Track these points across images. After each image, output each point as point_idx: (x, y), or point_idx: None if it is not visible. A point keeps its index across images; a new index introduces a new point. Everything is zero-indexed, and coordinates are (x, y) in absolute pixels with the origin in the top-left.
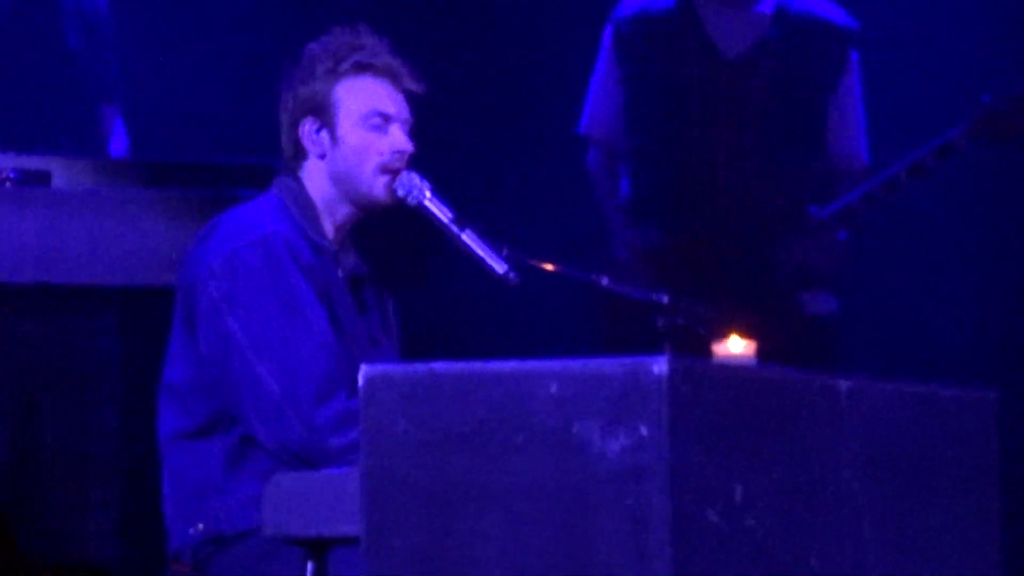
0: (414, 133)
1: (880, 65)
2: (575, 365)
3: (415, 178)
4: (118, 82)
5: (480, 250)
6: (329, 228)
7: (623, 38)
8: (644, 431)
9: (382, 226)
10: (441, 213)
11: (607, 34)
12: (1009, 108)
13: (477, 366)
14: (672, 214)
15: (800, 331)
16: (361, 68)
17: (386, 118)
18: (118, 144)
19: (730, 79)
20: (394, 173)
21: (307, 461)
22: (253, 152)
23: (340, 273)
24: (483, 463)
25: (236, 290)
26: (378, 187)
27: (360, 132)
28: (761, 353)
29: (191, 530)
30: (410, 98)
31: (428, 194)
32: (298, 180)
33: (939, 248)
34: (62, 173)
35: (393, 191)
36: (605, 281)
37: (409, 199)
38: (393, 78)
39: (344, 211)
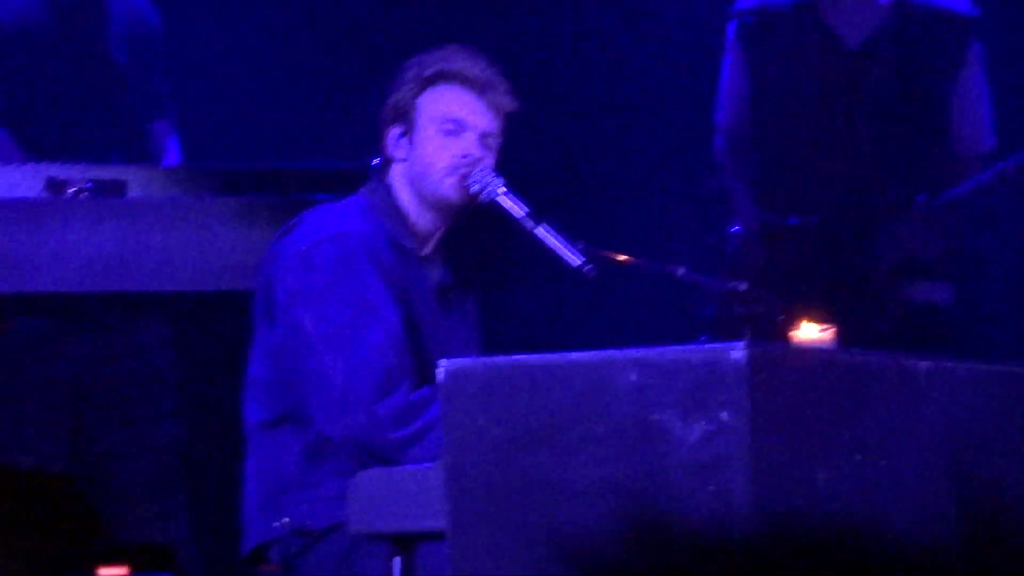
0: (500, 148)
1: (1009, 52)
2: (654, 353)
3: (489, 174)
4: (170, 97)
5: (556, 244)
6: (419, 232)
7: (746, 28)
8: (725, 417)
9: (467, 235)
10: (516, 208)
11: (730, 27)
12: None
13: (556, 358)
14: (789, 201)
15: (909, 320)
16: (444, 76)
17: (461, 125)
18: (171, 160)
19: (849, 69)
20: (461, 177)
21: (369, 451)
22: (325, 157)
23: (426, 279)
24: (564, 455)
25: (310, 283)
26: (445, 187)
27: (433, 136)
28: (859, 342)
29: (275, 524)
30: (503, 115)
31: (502, 189)
32: (386, 185)
33: None
34: (137, 183)
35: (466, 188)
36: (681, 271)
37: (483, 195)
38: (477, 89)
39: (428, 217)
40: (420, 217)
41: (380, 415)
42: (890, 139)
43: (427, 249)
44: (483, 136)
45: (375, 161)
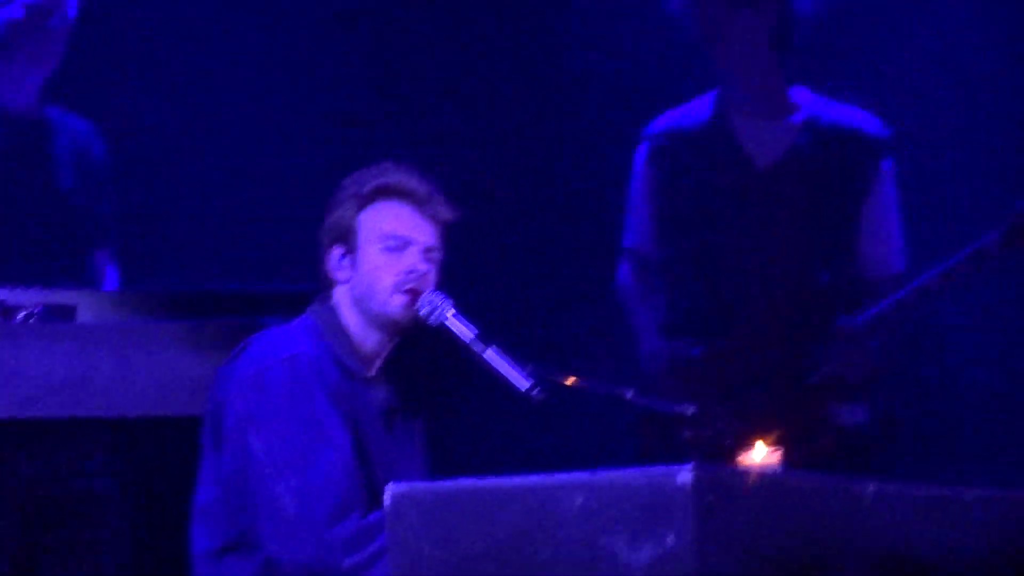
0: (442, 260)
1: (915, 171)
2: (601, 477)
3: (437, 297)
4: (113, 226)
5: (504, 367)
6: (364, 354)
7: (656, 151)
8: (671, 541)
9: (412, 356)
10: (463, 332)
11: (641, 150)
12: None
13: (501, 482)
14: (703, 325)
15: (831, 442)
16: (383, 193)
17: (404, 242)
18: (110, 288)
19: (762, 188)
20: (411, 293)
21: None
22: (272, 280)
23: (372, 401)
24: None
25: (260, 407)
26: (392, 305)
27: (376, 254)
28: (792, 464)
29: None
30: (444, 228)
31: (450, 313)
32: (330, 307)
33: (971, 353)
34: (86, 307)
35: (415, 310)
36: (630, 394)
37: (432, 319)
38: (417, 203)
39: (373, 337)
40: (366, 338)
41: (331, 542)
42: (807, 258)
43: (373, 370)
44: (426, 251)
45: (316, 285)
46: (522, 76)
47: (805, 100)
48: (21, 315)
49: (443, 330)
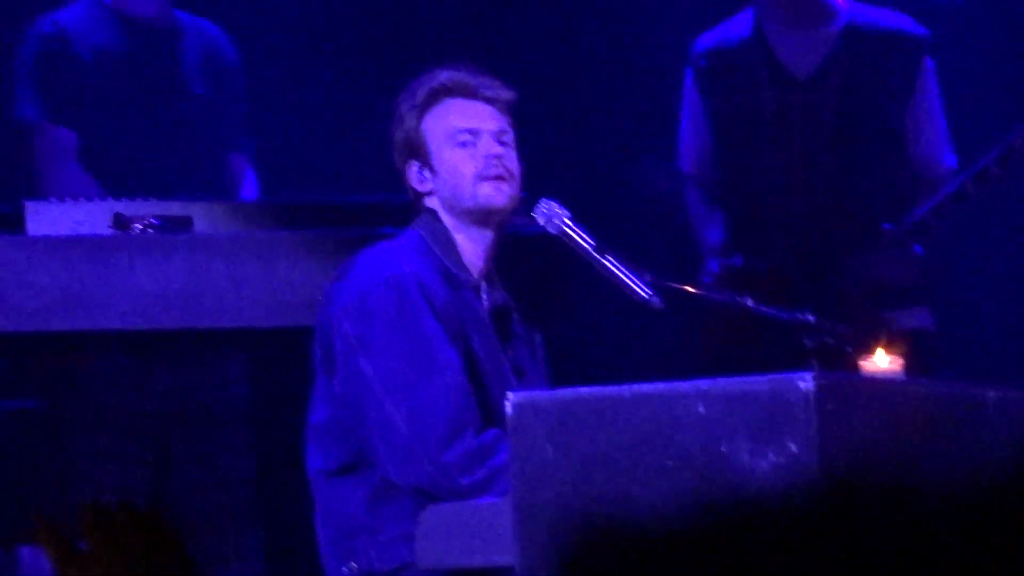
0: (517, 140)
1: (957, 69)
2: (721, 384)
3: (554, 206)
4: (247, 131)
5: (623, 275)
6: (470, 260)
7: (702, 72)
8: (793, 448)
9: (521, 257)
10: (582, 240)
11: (688, 74)
12: None
13: (623, 390)
14: (754, 240)
15: (903, 347)
16: (437, 95)
17: (472, 132)
18: (249, 192)
19: (802, 100)
20: (496, 179)
21: (439, 499)
22: (387, 190)
23: (482, 306)
24: (632, 487)
25: (368, 330)
26: (482, 194)
27: (450, 153)
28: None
29: (344, 569)
30: (508, 109)
31: (568, 221)
32: (434, 215)
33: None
34: (202, 218)
35: (503, 194)
36: (750, 302)
37: (549, 227)
38: (473, 93)
39: (476, 237)
40: (469, 240)
41: (447, 463)
42: (850, 167)
43: (480, 275)
44: (498, 135)
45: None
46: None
47: (841, 6)
48: (138, 227)
49: (561, 238)
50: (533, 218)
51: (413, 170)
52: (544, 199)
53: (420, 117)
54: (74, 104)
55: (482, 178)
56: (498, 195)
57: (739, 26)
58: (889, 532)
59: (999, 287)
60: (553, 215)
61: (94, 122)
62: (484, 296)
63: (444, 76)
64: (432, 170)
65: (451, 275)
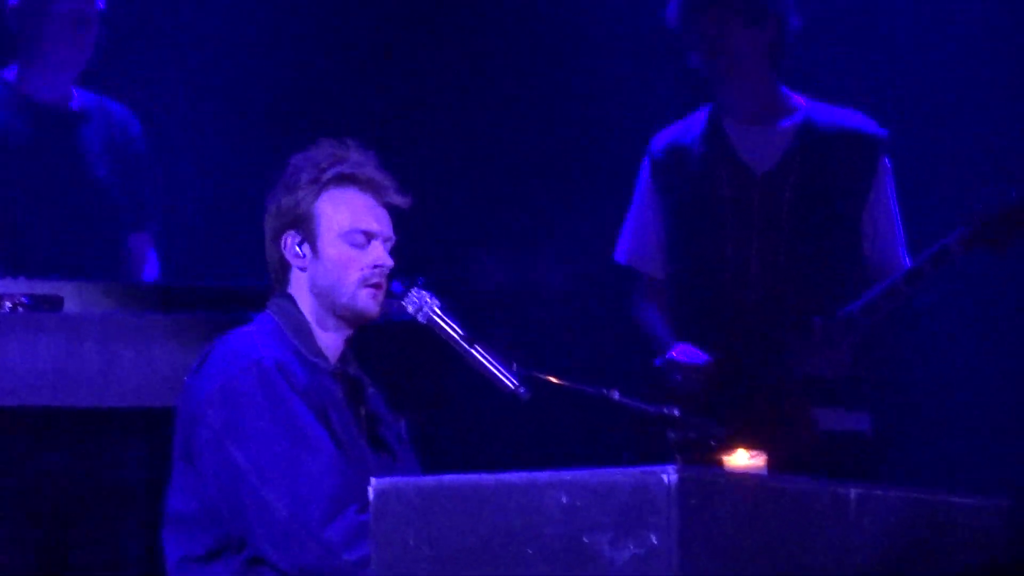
0: (396, 249)
1: (909, 163)
2: (584, 475)
3: (425, 295)
4: (152, 210)
5: (490, 365)
6: (324, 343)
7: (659, 167)
8: (654, 540)
9: (390, 343)
10: (451, 330)
11: (644, 166)
12: (1000, 213)
13: (486, 478)
14: (706, 334)
15: (829, 449)
16: (344, 180)
17: (367, 235)
18: (151, 272)
19: (760, 194)
20: (376, 287)
21: None
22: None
23: (339, 390)
24: None
25: (235, 418)
26: (360, 300)
27: (341, 248)
28: (781, 468)
29: None
30: (393, 212)
31: (438, 311)
32: (289, 298)
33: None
34: (74, 298)
35: (377, 306)
36: (616, 395)
37: (420, 316)
38: (376, 192)
39: (334, 328)
40: (327, 328)
41: (330, 539)
42: (806, 262)
43: (335, 361)
44: (387, 242)
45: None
46: (516, 88)
47: (799, 104)
48: (7, 305)
49: (430, 327)
50: (404, 306)
51: (290, 240)
52: (415, 288)
53: (317, 194)
54: None
55: (365, 284)
56: (374, 305)
57: (697, 122)
58: None
59: (942, 393)
60: (423, 304)
61: None
62: (340, 382)
63: (354, 162)
64: (315, 252)
65: (308, 361)
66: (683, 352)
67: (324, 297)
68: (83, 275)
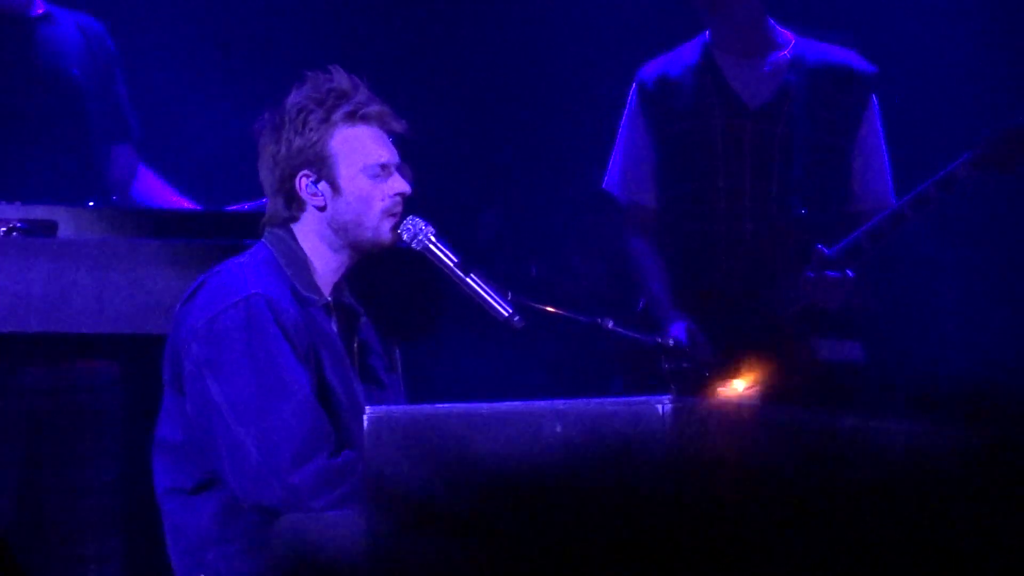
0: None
1: (893, 102)
2: (579, 404)
3: (420, 222)
4: (131, 120)
5: (485, 293)
6: (322, 278)
7: (648, 96)
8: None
9: (385, 272)
10: (446, 257)
11: (632, 94)
12: (1008, 137)
13: (480, 407)
14: (699, 263)
15: (821, 377)
16: (353, 117)
17: (384, 167)
18: (145, 180)
19: (754, 127)
20: (394, 216)
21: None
22: (255, 199)
23: (332, 325)
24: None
25: (217, 354)
26: (383, 231)
27: (363, 181)
28: (776, 397)
29: None
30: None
31: (433, 238)
32: (290, 232)
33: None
34: (68, 223)
35: (398, 235)
36: (610, 324)
37: (415, 243)
38: (382, 123)
39: (342, 258)
40: (331, 262)
41: (297, 485)
42: (796, 195)
43: (328, 296)
44: (399, 167)
45: (269, 209)
46: (505, 17)
47: (789, 39)
48: (1, 229)
49: (425, 254)
50: (399, 233)
51: (305, 180)
52: (411, 216)
53: (329, 132)
54: None
55: (388, 214)
56: (393, 233)
57: (687, 54)
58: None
59: (933, 321)
60: (419, 231)
61: None
62: (334, 314)
63: (361, 99)
64: (335, 189)
65: (301, 295)
66: (681, 331)
67: (344, 231)
68: (67, 189)
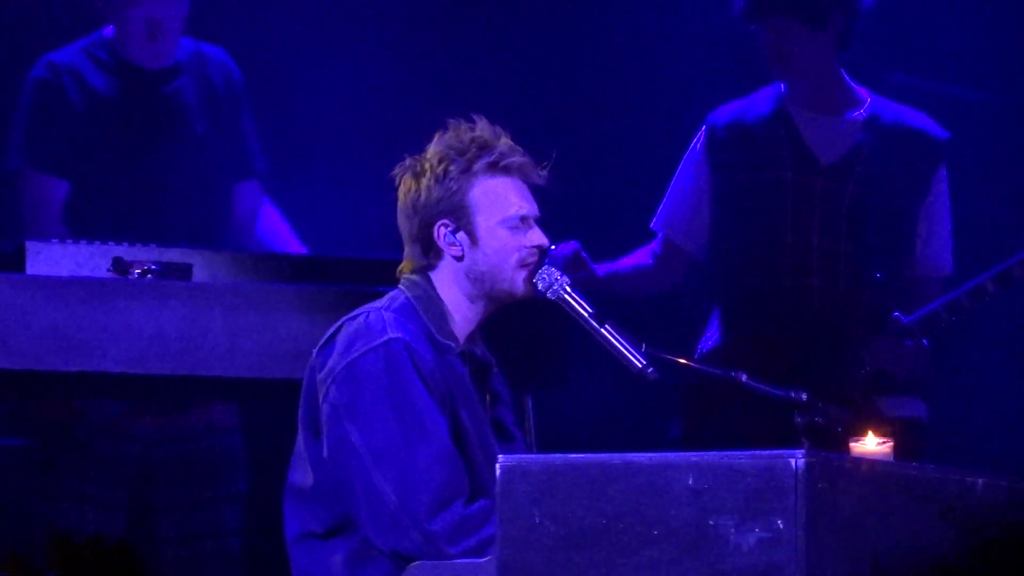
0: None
1: (963, 175)
2: (712, 458)
3: (555, 272)
4: (257, 155)
5: (619, 344)
6: (459, 326)
7: (717, 142)
8: (780, 525)
9: (520, 324)
10: (581, 307)
11: (700, 137)
12: None
13: (613, 458)
14: (762, 316)
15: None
16: (495, 168)
17: (524, 220)
18: (268, 218)
19: (824, 184)
20: (529, 267)
21: None
22: (387, 248)
23: (466, 372)
24: (618, 557)
25: (356, 398)
26: (519, 282)
27: (502, 233)
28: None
29: None
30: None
31: (568, 288)
32: (428, 280)
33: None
34: (203, 266)
35: (533, 285)
36: (744, 378)
37: (549, 293)
38: (524, 175)
39: (478, 308)
40: (468, 311)
41: (434, 532)
42: (867, 255)
43: (464, 342)
44: (537, 220)
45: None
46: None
47: (865, 98)
48: (137, 272)
49: (560, 304)
50: (534, 284)
51: (444, 229)
52: (546, 266)
53: (470, 183)
54: (65, 151)
55: (523, 266)
56: (529, 285)
57: (760, 103)
58: None
59: (993, 380)
60: (554, 281)
61: (88, 169)
62: (468, 360)
63: (503, 150)
64: (473, 240)
65: (437, 342)
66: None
67: (481, 281)
68: (187, 240)
